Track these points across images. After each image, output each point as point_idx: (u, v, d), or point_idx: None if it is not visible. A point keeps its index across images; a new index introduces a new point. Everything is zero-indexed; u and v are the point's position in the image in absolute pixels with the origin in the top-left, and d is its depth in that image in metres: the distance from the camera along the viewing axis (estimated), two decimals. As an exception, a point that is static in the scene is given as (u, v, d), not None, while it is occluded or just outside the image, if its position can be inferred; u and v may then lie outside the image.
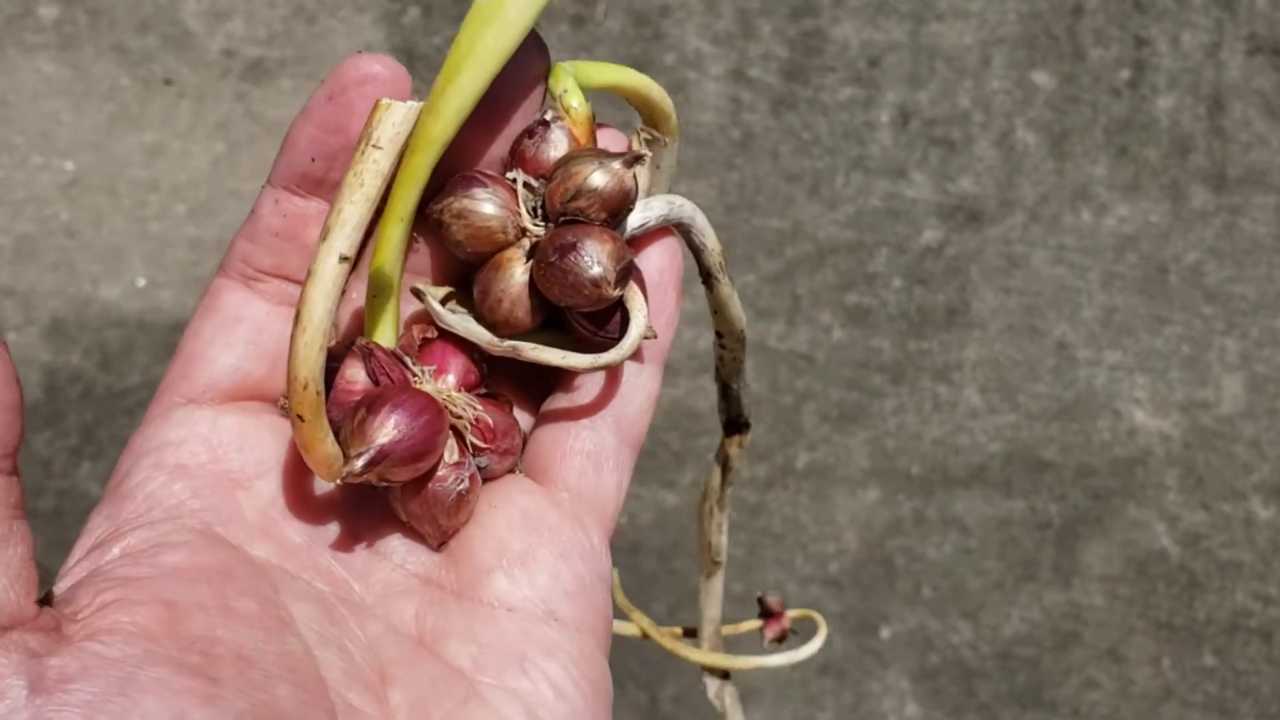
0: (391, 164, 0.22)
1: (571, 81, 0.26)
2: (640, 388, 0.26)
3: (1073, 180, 0.99)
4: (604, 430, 0.26)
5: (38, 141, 0.99)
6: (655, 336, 0.25)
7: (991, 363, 0.94)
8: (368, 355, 0.25)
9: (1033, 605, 0.89)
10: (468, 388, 0.25)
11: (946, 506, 0.91)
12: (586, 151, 0.25)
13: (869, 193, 0.98)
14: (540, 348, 0.25)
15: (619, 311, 0.25)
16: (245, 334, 0.25)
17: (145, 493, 0.24)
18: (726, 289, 0.29)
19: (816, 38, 1.02)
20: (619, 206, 0.25)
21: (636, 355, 0.26)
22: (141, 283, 0.96)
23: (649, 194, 0.27)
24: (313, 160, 0.24)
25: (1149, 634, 0.90)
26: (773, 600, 0.48)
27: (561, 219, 0.25)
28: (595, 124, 0.26)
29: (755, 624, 0.48)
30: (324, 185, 0.24)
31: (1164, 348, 0.95)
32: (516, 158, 0.26)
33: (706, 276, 0.29)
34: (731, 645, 0.43)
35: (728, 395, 0.36)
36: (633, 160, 0.25)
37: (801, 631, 0.48)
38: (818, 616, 0.49)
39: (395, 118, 0.22)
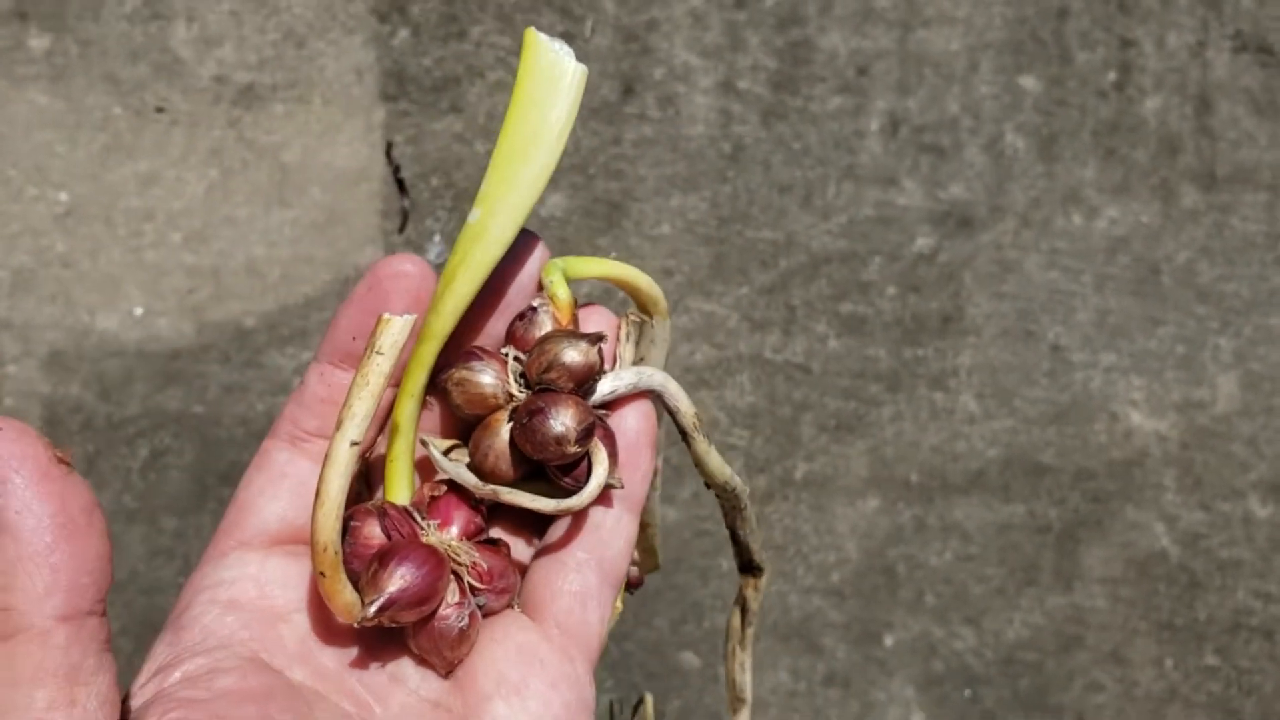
0: (391, 366, 0.27)
1: (558, 274, 0.31)
2: (619, 533, 0.30)
3: (1063, 183, 1.00)
4: (588, 572, 0.30)
5: (32, 173, 0.99)
6: (621, 486, 0.29)
7: (987, 368, 0.94)
8: (382, 514, 0.29)
9: (1035, 610, 0.90)
10: (470, 535, 0.30)
11: (946, 513, 0.91)
12: (561, 332, 0.30)
13: (861, 202, 0.98)
14: (514, 491, 0.29)
15: (587, 464, 0.29)
16: (290, 487, 0.30)
17: (202, 625, 0.28)
18: (702, 446, 0.33)
19: (804, 48, 1.02)
20: (584, 377, 0.29)
21: (605, 500, 0.30)
22: (139, 312, 0.97)
23: (643, 364, 0.31)
24: (353, 339, 0.29)
25: (1151, 635, 0.90)
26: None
27: (538, 387, 0.29)
28: (576, 309, 0.31)
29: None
30: None
31: (1158, 348, 0.96)
32: (509, 336, 0.31)
33: (683, 435, 0.33)
34: None
35: (736, 541, 0.39)
36: (595, 339, 0.29)
37: None
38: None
39: (394, 330, 0.27)
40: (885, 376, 0.94)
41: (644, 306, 0.32)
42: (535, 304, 0.30)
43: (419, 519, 0.29)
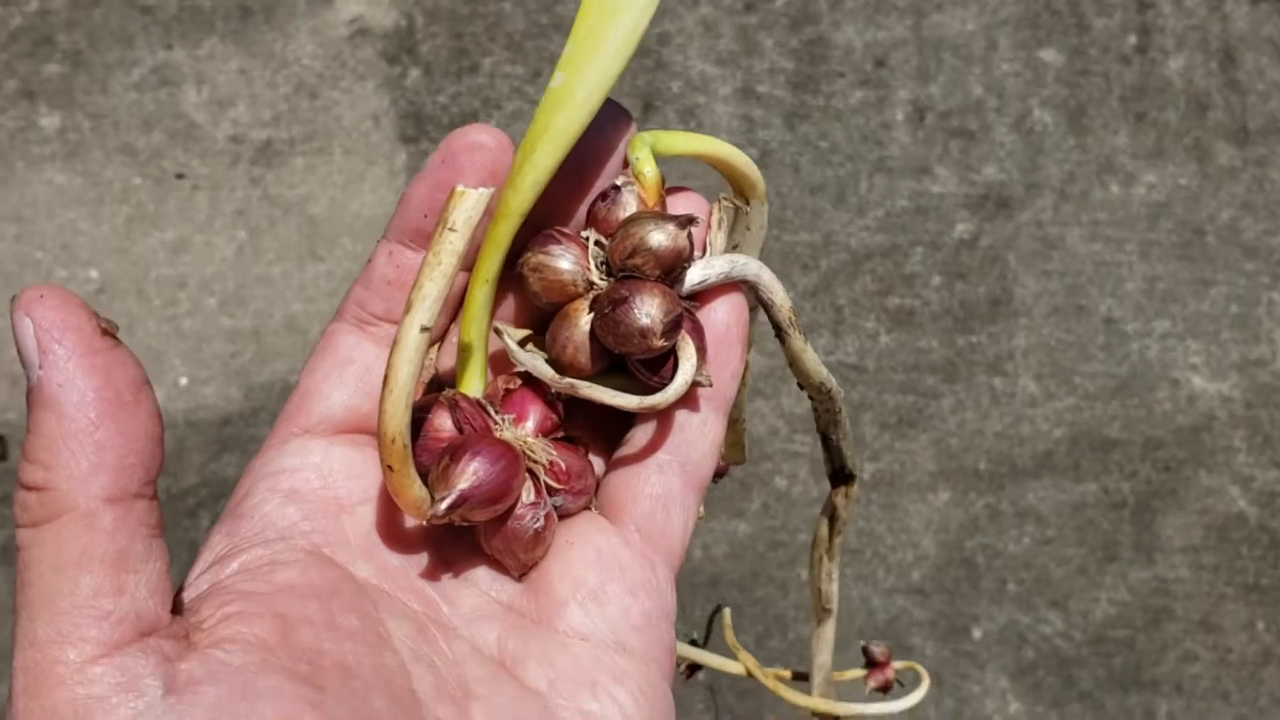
0: (465, 243, 0.25)
1: (645, 150, 0.28)
2: (705, 435, 0.28)
3: (1096, 154, 0.99)
4: (671, 474, 0.28)
5: (59, 254, 0.99)
6: (709, 384, 0.28)
7: (1042, 348, 0.94)
8: (454, 406, 0.27)
9: (1119, 586, 0.89)
10: (545, 433, 0.28)
11: (1019, 499, 0.91)
12: (647, 213, 0.27)
13: (895, 194, 0.98)
14: (594, 386, 0.27)
15: (672, 359, 0.27)
16: (355, 373, 0.28)
17: (261, 514, 0.26)
18: (798, 343, 0.31)
19: (820, 45, 1.02)
20: (672, 264, 0.27)
21: (691, 401, 0.28)
22: (184, 382, 0.96)
23: (737, 254, 0.29)
24: (425, 216, 0.27)
25: (1239, 599, 0.90)
26: (878, 650, 0.50)
27: (620, 274, 0.27)
28: (664, 188, 0.28)
29: (860, 673, 0.49)
30: None
31: (1212, 310, 0.95)
32: (590, 218, 0.28)
33: (777, 330, 0.31)
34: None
35: (828, 447, 0.37)
36: (685, 222, 0.27)
37: (906, 682, 0.48)
38: (920, 669, 0.50)
39: (468, 204, 0.25)
40: (941, 367, 0.94)
41: (740, 190, 0.30)
42: (619, 183, 0.28)
43: (493, 412, 0.28)
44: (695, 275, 0.28)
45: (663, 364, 0.27)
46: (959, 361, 0.96)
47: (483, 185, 0.26)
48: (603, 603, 0.27)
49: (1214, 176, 1.00)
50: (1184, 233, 0.99)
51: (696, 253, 0.28)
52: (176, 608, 0.24)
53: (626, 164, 0.28)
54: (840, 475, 0.39)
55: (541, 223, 0.28)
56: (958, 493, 0.93)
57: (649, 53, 1.04)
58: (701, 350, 0.28)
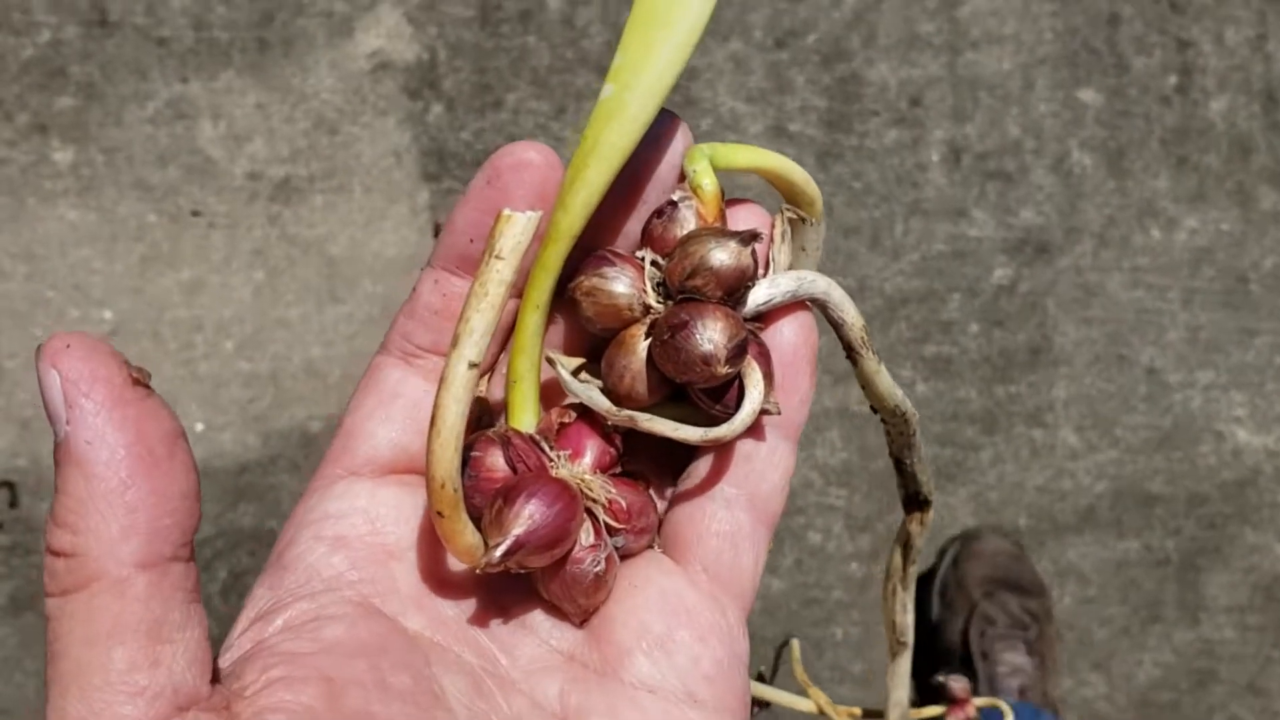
0: (514, 271, 0.23)
1: (704, 163, 0.27)
2: (774, 465, 0.27)
3: (1136, 198, 0.97)
4: (739, 509, 0.26)
5: (71, 293, 0.96)
6: (777, 412, 0.26)
7: (1083, 399, 0.92)
8: (506, 443, 0.26)
9: (1163, 647, 0.87)
10: (603, 468, 0.27)
11: (1060, 555, 0.89)
12: (706, 230, 0.26)
13: (931, 237, 0.96)
14: (656, 419, 0.26)
15: (737, 386, 0.26)
16: (403, 409, 0.26)
17: (306, 564, 0.25)
18: (871, 364, 0.30)
19: (853, 82, 1.00)
20: (735, 284, 0.25)
21: (757, 431, 0.27)
22: (200, 427, 0.94)
23: (804, 270, 0.28)
24: (471, 241, 0.26)
25: (1287, 662, 0.88)
26: (957, 686, 0.47)
27: (680, 296, 0.26)
28: (724, 203, 0.27)
29: (938, 710, 0.48)
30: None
31: (1256, 360, 0.93)
32: (646, 236, 0.27)
33: (849, 351, 0.29)
34: None
35: (902, 471, 0.36)
36: (749, 239, 0.25)
37: None
38: (1004, 705, 0.47)
39: (516, 229, 0.24)
40: (980, 418, 0.92)
41: (798, 204, 0.29)
42: (676, 198, 0.27)
43: (547, 449, 0.26)
44: (760, 295, 0.26)
45: (727, 391, 0.26)
46: (998, 412, 0.93)
47: (531, 207, 0.25)
48: (671, 651, 0.25)
49: (1257, 222, 0.98)
50: (1227, 280, 0.97)
51: (760, 270, 0.27)
52: (217, 673, 0.22)
53: (683, 178, 0.27)
54: (915, 501, 0.38)
55: (592, 244, 0.27)
56: (997, 549, 0.91)
57: (676, 88, 1.02)
58: (768, 375, 0.26)
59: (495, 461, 0.26)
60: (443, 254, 0.26)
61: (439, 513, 0.24)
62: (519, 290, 0.26)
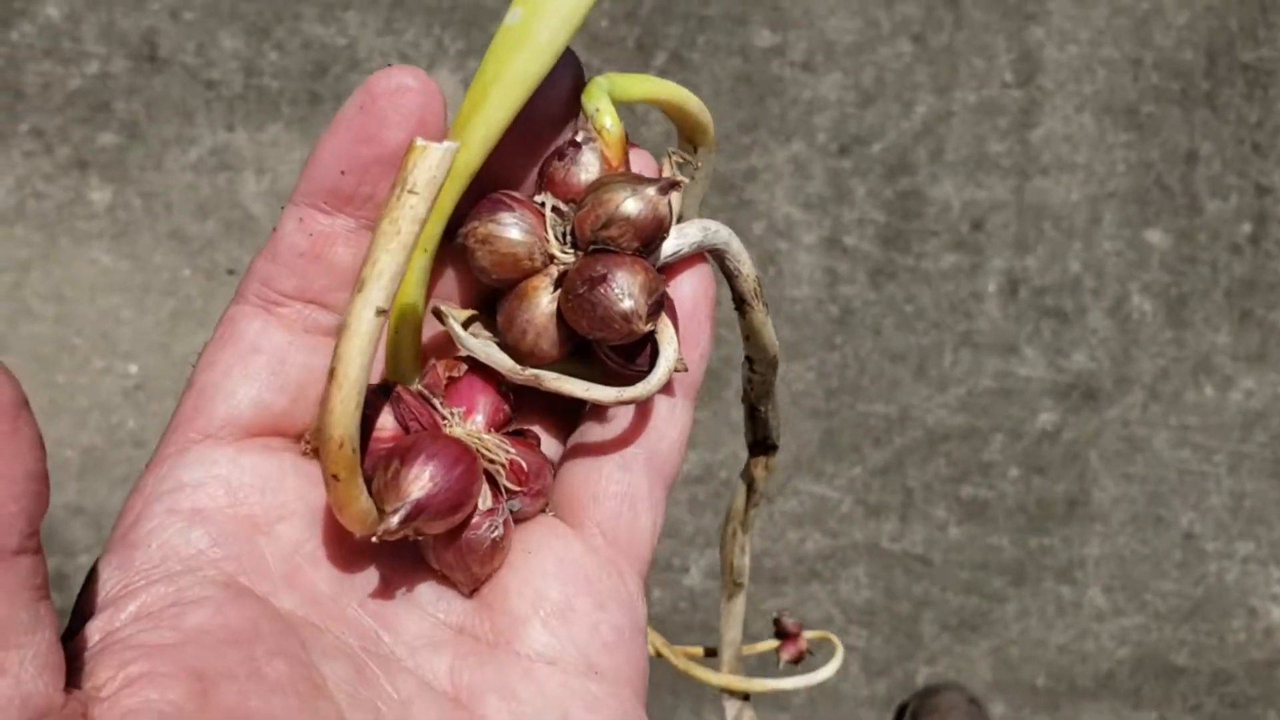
0: (428, 209, 0.22)
1: (606, 100, 0.25)
2: (674, 423, 0.26)
3: (1193, 351, 0.95)
4: (636, 470, 0.26)
5: (98, 342, 0.95)
6: (686, 369, 0.25)
7: (1116, 559, 0.90)
8: (396, 400, 0.25)
9: (1171, 826, 0.86)
10: (497, 426, 0.26)
11: (1076, 721, 0.87)
12: (619, 176, 0.25)
13: (979, 372, 0.93)
14: (564, 378, 0.25)
15: (649, 344, 0.25)
16: (265, 365, 0.24)
17: (160, 541, 0.23)
18: (760, 315, 0.30)
19: (915, 199, 0.97)
20: (653, 236, 0.24)
21: (667, 389, 0.26)
22: (218, 498, 0.93)
23: (708, 220, 0.27)
24: (342, 173, 0.24)
25: None
26: (789, 621, 0.49)
27: (592, 247, 0.25)
28: (628, 145, 0.26)
29: (772, 644, 0.49)
30: (354, 201, 0.24)
31: (1298, 536, 0.91)
32: (545, 180, 0.25)
33: (740, 303, 0.29)
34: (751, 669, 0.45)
35: (755, 417, 0.37)
36: (668, 187, 0.24)
37: (819, 653, 0.47)
38: (834, 638, 0.50)
39: (431, 160, 0.22)
40: (1010, 568, 0.90)
41: (690, 137, 0.27)
42: (579, 139, 0.25)
43: (439, 406, 0.25)
44: (668, 246, 0.26)
45: (638, 350, 0.25)
46: (1029, 564, 0.92)
47: (411, 136, 0.23)
48: (569, 620, 0.24)
49: (1316, 389, 0.95)
50: (1278, 448, 0.94)
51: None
52: (71, 675, 0.20)
53: (581, 117, 0.25)
54: (762, 445, 0.39)
55: (486, 187, 0.25)
56: (1012, 708, 0.90)
57: (731, 188, 0.99)
58: (676, 329, 0.25)
59: (385, 421, 0.24)
60: (308, 188, 0.24)
61: (334, 475, 0.22)
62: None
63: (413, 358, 0.25)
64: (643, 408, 0.26)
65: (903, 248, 0.99)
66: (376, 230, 0.22)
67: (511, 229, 0.24)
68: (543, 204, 0.25)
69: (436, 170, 0.22)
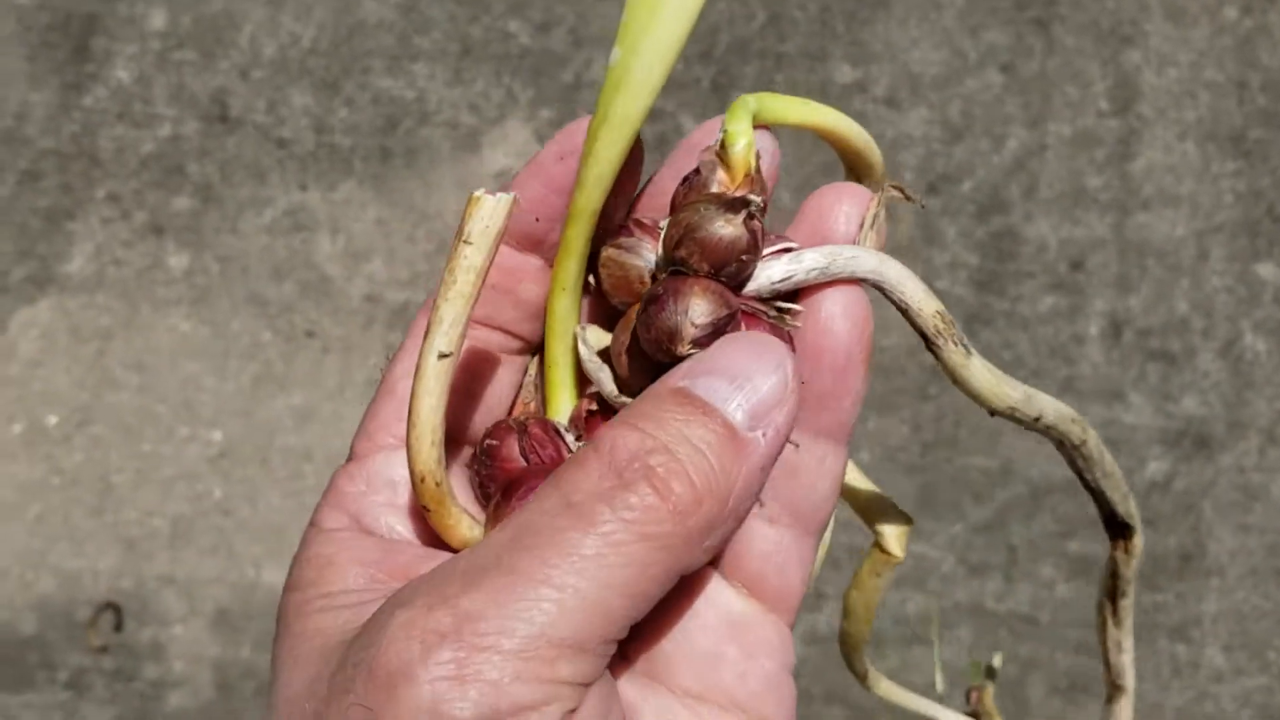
0: (485, 258, 0.24)
1: (745, 121, 0.25)
2: (823, 474, 0.25)
3: (1312, 392, 0.91)
4: (782, 526, 0.26)
5: (181, 410, 0.96)
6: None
7: (1234, 615, 0.87)
8: (522, 432, 0.26)
9: None
10: None
11: (1197, 788, 0.84)
12: (705, 197, 0.25)
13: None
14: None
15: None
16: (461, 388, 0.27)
17: (386, 527, 0.26)
18: (956, 357, 0.26)
19: (1009, 239, 0.94)
20: (724, 258, 0.24)
21: (803, 431, 0.25)
22: (306, 567, 0.92)
23: (841, 245, 0.26)
24: (536, 220, 0.26)
25: None
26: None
27: (670, 268, 0.25)
28: (757, 168, 0.25)
29: None
30: (544, 246, 0.26)
31: None
32: (672, 204, 0.26)
33: (925, 342, 0.26)
34: None
35: (1088, 488, 0.33)
36: (741, 205, 0.24)
37: None
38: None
39: (484, 212, 0.23)
40: (1120, 628, 0.87)
41: (853, 169, 0.27)
42: (704, 159, 0.25)
43: (568, 439, 0.26)
44: (778, 271, 0.24)
45: None
46: (1142, 622, 0.89)
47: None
48: (717, 667, 0.25)
49: None
50: (1406, 495, 0.90)
51: (770, 248, 0.25)
52: None
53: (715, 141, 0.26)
54: (1113, 525, 0.35)
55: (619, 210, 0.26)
56: (1129, 774, 0.87)
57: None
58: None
59: (511, 451, 0.26)
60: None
61: (425, 508, 0.25)
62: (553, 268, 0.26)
63: (567, 391, 0.26)
64: (791, 461, 0.25)
65: (998, 291, 0.96)
66: (439, 281, 0.24)
67: (629, 253, 0.25)
68: (663, 228, 0.25)
69: (490, 220, 0.23)
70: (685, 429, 0.22)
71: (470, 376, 0.27)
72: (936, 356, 0.26)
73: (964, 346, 0.26)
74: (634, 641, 0.26)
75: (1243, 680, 0.90)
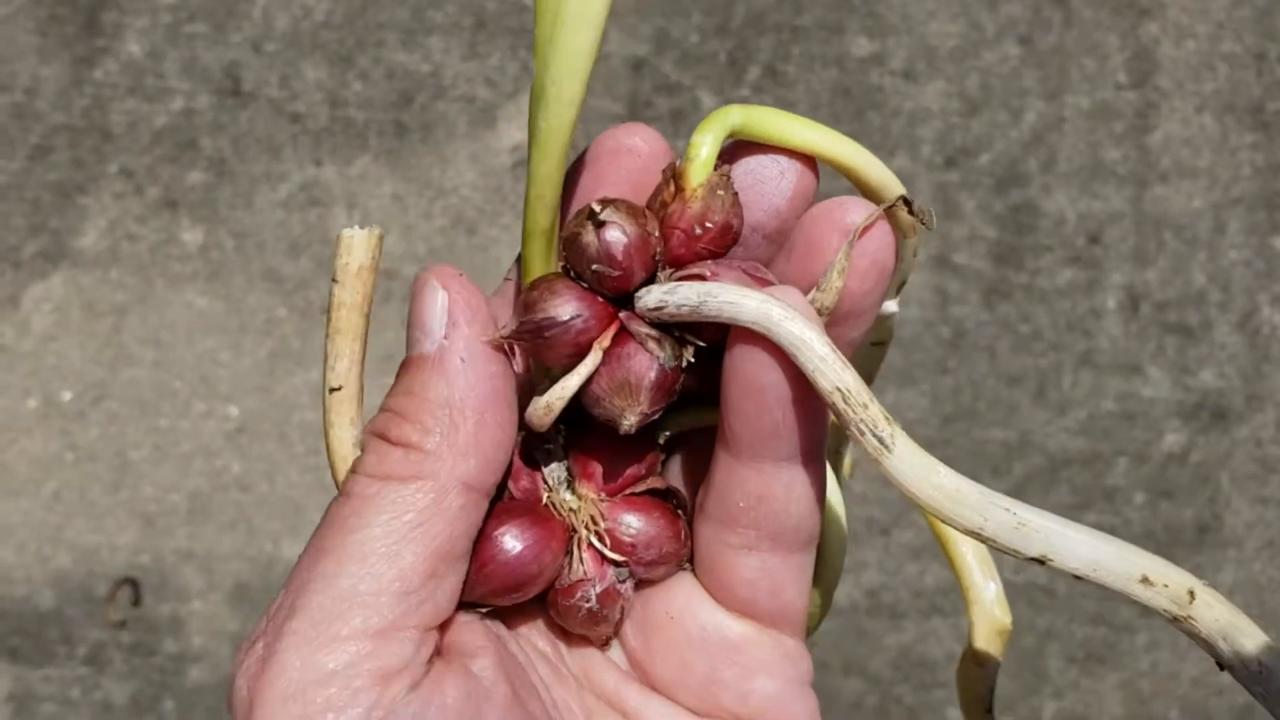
0: (352, 293, 0.24)
1: (709, 134, 0.24)
2: (795, 498, 0.25)
3: (1329, 364, 0.92)
4: (764, 552, 0.25)
5: (198, 386, 0.97)
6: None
7: (1251, 586, 0.89)
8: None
9: None
10: (626, 483, 0.26)
11: (1213, 757, 0.86)
12: (586, 206, 0.25)
13: (1101, 393, 0.92)
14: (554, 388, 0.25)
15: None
16: None
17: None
18: (868, 449, 0.23)
19: (1027, 212, 0.95)
20: (580, 264, 0.24)
21: (768, 453, 0.25)
22: (325, 542, 0.94)
23: (713, 283, 0.25)
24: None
25: None
26: None
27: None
28: (716, 179, 0.24)
29: None
30: None
31: None
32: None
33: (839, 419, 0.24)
34: None
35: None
36: (588, 214, 0.24)
37: None
38: None
39: (345, 250, 0.24)
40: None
41: (867, 197, 0.25)
42: (666, 171, 0.25)
43: (548, 475, 0.26)
44: (653, 299, 0.24)
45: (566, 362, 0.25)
46: (1158, 594, 0.90)
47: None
48: (715, 691, 0.25)
49: None
50: None
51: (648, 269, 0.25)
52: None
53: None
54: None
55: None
56: (1146, 744, 0.89)
57: (837, 207, 0.98)
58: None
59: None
60: None
61: None
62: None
63: (542, 262, 0.26)
64: (756, 491, 0.24)
65: (1016, 264, 0.97)
66: (326, 328, 0.25)
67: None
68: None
69: (357, 257, 0.24)
70: (397, 386, 0.24)
71: None
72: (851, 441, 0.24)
73: (878, 439, 0.22)
74: (634, 665, 0.26)
75: (1259, 651, 0.91)
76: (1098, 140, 1.00)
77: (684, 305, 0.23)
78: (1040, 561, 0.24)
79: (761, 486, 0.24)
